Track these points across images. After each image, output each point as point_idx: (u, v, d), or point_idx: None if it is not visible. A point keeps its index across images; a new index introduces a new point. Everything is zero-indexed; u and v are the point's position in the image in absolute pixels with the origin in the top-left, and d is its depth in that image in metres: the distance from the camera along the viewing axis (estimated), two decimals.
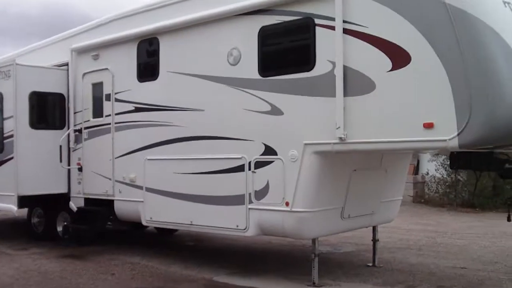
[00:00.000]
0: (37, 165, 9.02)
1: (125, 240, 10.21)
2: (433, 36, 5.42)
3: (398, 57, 5.64)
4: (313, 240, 6.78)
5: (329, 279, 7.08)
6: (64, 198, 9.49)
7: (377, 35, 5.80)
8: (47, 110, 9.45)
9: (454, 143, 5.29)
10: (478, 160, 6.13)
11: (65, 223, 9.52)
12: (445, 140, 5.33)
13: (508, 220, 6.57)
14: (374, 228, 8.08)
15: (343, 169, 6.68)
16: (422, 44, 5.46)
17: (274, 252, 9.28)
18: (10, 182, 8.98)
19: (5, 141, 9.15)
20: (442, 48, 5.37)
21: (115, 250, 9.12)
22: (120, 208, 8.61)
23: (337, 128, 6.02)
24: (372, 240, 8.11)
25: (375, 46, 5.81)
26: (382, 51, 5.76)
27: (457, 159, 6.33)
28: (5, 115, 9.16)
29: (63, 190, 9.40)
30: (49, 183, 9.19)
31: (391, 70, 5.70)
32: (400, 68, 5.64)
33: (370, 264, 8.02)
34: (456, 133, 5.26)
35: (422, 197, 18.70)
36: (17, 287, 6.82)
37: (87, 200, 9.21)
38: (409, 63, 5.58)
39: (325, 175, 6.42)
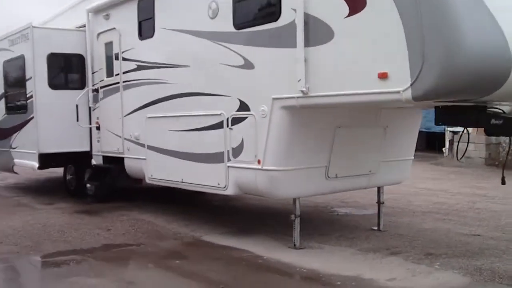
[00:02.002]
0: (57, 124, 9.36)
1: (151, 198, 10.41)
2: None
3: (354, 1, 5.07)
4: (294, 200, 6.46)
5: (315, 242, 6.77)
6: (88, 156, 9.83)
7: None
8: (67, 70, 9.73)
9: (407, 95, 4.71)
10: (464, 114, 5.42)
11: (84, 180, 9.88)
12: (398, 92, 4.76)
13: (503, 183, 5.81)
14: (378, 190, 7.56)
15: (322, 126, 6.24)
16: None
17: (285, 212, 9.02)
18: (32, 140, 9.44)
19: (28, 101, 9.58)
20: None
21: (133, 207, 9.32)
22: (129, 165, 8.77)
23: (298, 81, 5.60)
24: (376, 203, 7.59)
25: None
26: None
27: (442, 114, 5.65)
28: (27, 76, 9.56)
29: (85, 148, 9.71)
30: (71, 142, 9.52)
31: (348, 16, 5.15)
32: (356, 13, 5.08)
33: (375, 228, 7.55)
34: (409, 84, 4.67)
35: (496, 159, 17.26)
36: (12, 238, 7.19)
37: (104, 158, 9.48)
38: (364, 7, 5.01)
39: (297, 131, 6.03)
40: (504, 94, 4.70)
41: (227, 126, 6.60)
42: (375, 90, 4.93)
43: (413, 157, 7.66)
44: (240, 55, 6.40)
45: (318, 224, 7.99)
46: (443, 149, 20.07)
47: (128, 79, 8.59)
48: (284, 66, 5.82)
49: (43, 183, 13.21)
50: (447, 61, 4.45)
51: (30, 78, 9.41)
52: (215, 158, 6.81)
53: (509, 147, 5.53)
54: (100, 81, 9.38)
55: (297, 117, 5.94)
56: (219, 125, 6.74)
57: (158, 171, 7.97)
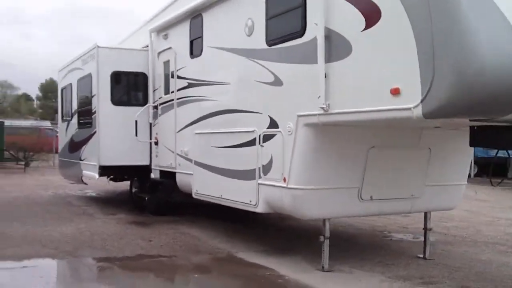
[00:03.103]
0: (118, 139, 9.80)
1: (205, 214, 10.51)
2: None
3: (371, 13, 4.88)
4: (324, 221, 6.23)
5: (348, 266, 6.47)
6: (148, 170, 10.18)
7: None
8: (129, 88, 10.17)
9: (418, 112, 4.40)
10: (499, 136, 4.97)
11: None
12: (409, 109, 4.46)
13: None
14: (425, 215, 7.10)
15: (352, 145, 5.99)
16: None
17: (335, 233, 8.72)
18: (95, 153, 9.94)
19: (93, 116, 10.13)
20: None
21: (185, 221, 9.49)
22: (180, 180, 8.94)
23: (318, 98, 5.43)
24: (423, 229, 7.12)
25: (349, 2, 5.09)
26: (357, 7, 5.02)
27: (477, 135, 5.22)
28: (93, 93, 10.12)
29: (145, 162, 10.06)
30: (131, 156, 9.91)
31: (364, 29, 4.94)
32: (372, 26, 4.86)
33: (421, 256, 7.07)
34: (419, 100, 4.37)
35: None
36: (57, 243, 7.57)
37: (161, 172, 9.75)
38: (379, 19, 4.77)
39: (323, 150, 5.84)
40: None
41: (259, 143, 6.55)
42: (389, 107, 4.67)
43: (465, 182, 7.12)
44: (271, 72, 6.35)
45: (364, 247, 7.68)
46: None
47: (181, 96, 8.82)
48: (308, 82, 5.68)
49: (117, 195, 13.84)
50: (458, 75, 4.11)
51: (95, 95, 9.96)
52: (248, 175, 6.77)
53: None
54: (159, 98, 9.71)
55: (322, 135, 5.76)
56: (252, 142, 6.70)
57: (202, 186, 8.05)
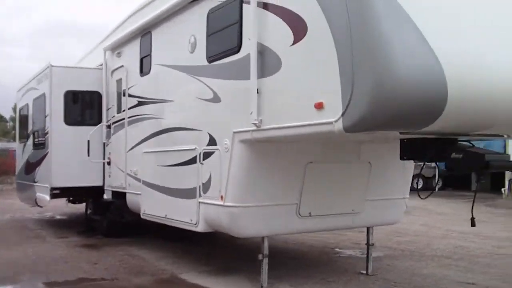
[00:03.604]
0: (71, 160, 9.63)
1: (161, 235, 10.36)
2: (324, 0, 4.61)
3: (298, 27, 4.89)
4: (262, 239, 6.17)
5: (288, 284, 6.40)
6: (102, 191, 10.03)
7: (281, 5, 5.12)
8: (84, 107, 10.07)
9: (339, 126, 4.40)
10: (425, 148, 5.02)
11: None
12: (331, 123, 4.47)
13: (472, 224, 5.26)
14: (367, 231, 7.10)
15: (289, 161, 5.96)
16: (316, 9, 4.66)
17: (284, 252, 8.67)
18: (47, 175, 9.78)
19: (46, 136, 9.99)
20: (331, 12, 4.52)
21: (136, 243, 9.28)
22: (130, 200, 8.82)
23: (250, 113, 5.43)
24: (366, 244, 7.11)
25: (280, 17, 5.13)
26: (286, 22, 5.05)
27: (405, 148, 5.27)
28: (46, 113, 10.00)
29: (98, 183, 9.91)
30: (84, 177, 9.75)
31: (293, 44, 4.96)
32: (299, 41, 4.88)
33: (364, 272, 7.05)
34: (340, 114, 4.39)
35: None
36: None
37: (114, 193, 9.62)
38: (305, 34, 4.81)
39: (259, 167, 5.80)
40: (446, 124, 4.28)
41: (200, 161, 6.50)
42: (313, 121, 4.67)
43: (407, 196, 7.16)
44: (211, 88, 6.34)
45: (310, 265, 7.63)
46: (502, 189, 18.78)
47: (131, 115, 8.76)
48: (242, 98, 5.66)
49: (76, 217, 13.60)
50: (375, 89, 4.11)
51: (48, 114, 9.84)
52: (189, 193, 6.69)
53: (477, 185, 5.00)
54: (112, 117, 9.63)
55: (258, 151, 5.73)
56: (193, 160, 6.64)
57: (149, 206, 7.94)
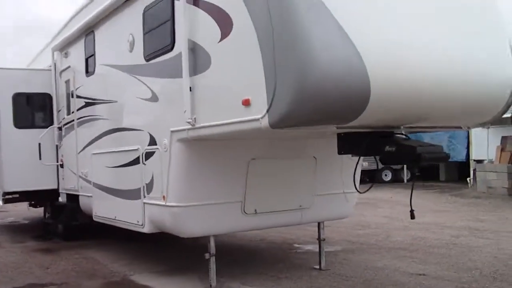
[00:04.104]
0: (23, 163, 9.43)
1: (121, 236, 10.23)
2: None
3: (225, 23, 4.81)
4: (209, 238, 6.08)
5: (240, 282, 6.35)
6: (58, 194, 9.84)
7: (208, 0, 5.01)
8: (34, 109, 9.85)
9: (265, 122, 4.32)
10: (359, 142, 4.96)
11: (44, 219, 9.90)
12: (258, 120, 4.39)
13: (412, 217, 5.24)
14: (318, 226, 7.06)
15: (230, 159, 5.87)
16: (240, 4, 4.57)
17: (237, 250, 8.60)
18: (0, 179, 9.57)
19: None
20: (254, 7, 4.44)
21: (93, 245, 9.14)
22: (83, 202, 8.66)
23: (184, 112, 5.32)
24: (317, 239, 7.07)
25: (208, 13, 5.03)
26: (213, 18, 4.95)
27: (340, 142, 5.22)
28: None
29: (53, 186, 9.72)
30: (37, 180, 9.56)
31: (220, 40, 4.87)
32: (226, 37, 4.79)
33: (317, 267, 7.01)
34: (265, 110, 4.30)
35: None
36: None
37: (68, 196, 9.44)
38: (231, 29, 4.72)
39: (198, 165, 5.71)
40: (372, 118, 4.23)
41: (142, 161, 6.38)
42: (241, 118, 4.59)
43: (356, 190, 7.11)
44: (149, 88, 6.22)
45: (266, 261, 7.56)
46: (468, 179, 18.99)
47: (80, 116, 8.59)
48: (177, 97, 5.55)
49: (38, 221, 13.36)
50: (296, 85, 4.05)
51: None
52: (134, 194, 6.58)
53: (412, 178, 4.97)
54: (63, 119, 9.44)
55: (197, 150, 5.63)
56: (137, 161, 6.53)
57: (99, 208, 7.81)
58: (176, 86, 5.58)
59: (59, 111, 9.62)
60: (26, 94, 9.66)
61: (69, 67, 8.95)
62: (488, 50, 4.78)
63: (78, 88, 8.62)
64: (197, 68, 5.22)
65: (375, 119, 4.33)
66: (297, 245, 8.89)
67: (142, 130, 6.40)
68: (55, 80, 9.64)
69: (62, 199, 9.67)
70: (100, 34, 7.70)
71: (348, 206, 7.06)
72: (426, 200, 15.73)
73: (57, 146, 9.70)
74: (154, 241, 9.19)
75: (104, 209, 7.63)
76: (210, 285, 6.09)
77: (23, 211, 13.78)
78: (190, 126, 5.31)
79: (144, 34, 6.26)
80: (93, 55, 7.96)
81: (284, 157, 6.25)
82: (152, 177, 6.17)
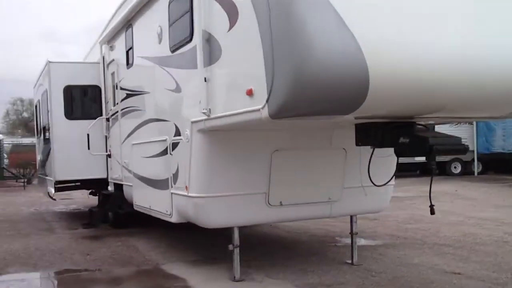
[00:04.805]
0: (74, 153, 9.80)
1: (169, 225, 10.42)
2: None
3: (232, 13, 4.74)
4: (232, 229, 6.05)
5: (264, 275, 6.29)
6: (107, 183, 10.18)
7: None
8: (84, 101, 10.20)
9: (265, 113, 4.22)
10: (375, 133, 4.75)
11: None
12: (258, 110, 4.29)
13: (432, 212, 4.94)
14: (351, 219, 6.84)
15: (253, 150, 5.80)
16: None
17: (275, 242, 8.51)
18: (52, 168, 10.00)
19: (50, 131, 10.20)
20: None
21: (138, 233, 9.40)
22: (126, 192, 8.90)
23: (199, 103, 5.30)
24: (350, 233, 6.87)
25: (220, 4, 4.97)
26: (223, 8, 4.89)
27: (357, 133, 5.03)
28: (48, 108, 10.20)
29: (102, 175, 10.05)
30: (87, 169, 9.92)
31: (229, 30, 4.80)
32: (234, 26, 4.71)
33: (349, 261, 6.82)
34: (265, 101, 4.19)
35: None
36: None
37: (115, 185, 9.73)
38: (237, 18, 4.63)
39: (219, 156, 5.67)
40: (375, 108, 4.02)
41: (169, 152, 6.44)
42: (246, 109, 4.50)
43: (392, 183, 6.81)
44: (174, 78, 6.26)
45: (299, 254, 7.45)
46: None
47: (123, 107, 8.80)
48: (196, 87, 5.55)
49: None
50: (293, 74, 3.92)
51: (49, 110, 10.04)
52: (164, 184, 6.67)
53: (431, 175, 4.68)
54: (110, 110, 9.71)
55: (217, 140, 5.60)
56: (166, 151, 6.60)
57: (138, 197, 7.99)
58: (194, 76, 5.57)
59: (107, 102, 9.91)
60: (77, 86, 10.02)
61: (113, 60, 9.18)
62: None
63: (121, 80, 8.83)
64: (212, 59, 5.18)
65: (381, 110, 4.11)
66: (338, 238, 8.69)
67: (169, 121, 6.46)
68: (104, 73, 9.92)
69: (110, 188, 9.98)
70: (137, 27, 7.84)
71: (381, 199, 6.80)
72: (492, 194, 14.91)
73: (106, 136, 10.00)
74: (193, 229, 9.31)
75: (142, 199, 7.79)
76: (234, 277, 6.07)
77: (87, 199, 14.37)
78: (206, 117, 5.29)
79: (170, 25, 6.30)
80: (131, 47, 8.11)
81: (310, 148, 6.11)
82: (178, 168, 6.22)
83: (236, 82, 4.72)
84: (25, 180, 21.19)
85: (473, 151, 21.20)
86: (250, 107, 4.42)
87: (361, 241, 8.06)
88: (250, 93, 4.41)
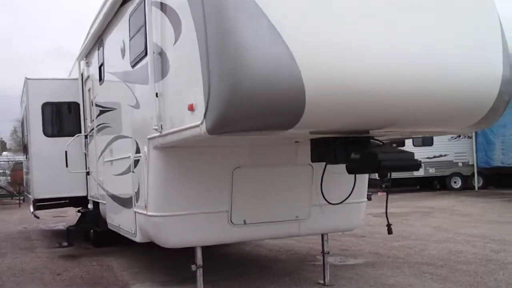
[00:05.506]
0: (53, 171, 9.65)
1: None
2: None
3: (177, 26, 4.57)
4: (195, 249, 5.82)
5: None
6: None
7: (166, 2, 4.80)
8: (63, 118, 10.06)
9: (203, 128, 4.02)
10: (327, 148, 4.54)
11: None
12: (198, 126, 4.09)
13: (389, 232, 4.69)
14: (322, 238, 6.59)
15: (214, 166, 5.59)
16: (185, 4, 4.32)
17: (253, 260, 8.26)
18: (31, 186, 9.86)
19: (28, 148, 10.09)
20: (193, 6, 4.17)
21: (116, 252, 9.18)
22: (102, 210, 8.71)
23: (151, 119, 5.12)
24: (321, 253, 6.61)
25: (167, 16, 4.81)
26: (170, 21, 4.73)
27: (312, 149, 4.81)
28: (27, 125, 10.09)
29: (82, 193, 9.88)
30: (67, 187, 9.76)
31: (175, 43, 4.63)
32: (178, 39, 4.54)
33: (321, 282, 6.55)
34: (203, 116, 4.00)
35: None
36: None
37: (94, 203, 9.55)
38: (181, 31, 4.46)
39: (176, 174, 5.48)
40: (316, 122, 3.80)
41: (132, 169, 6.26)
42: (188, 125, 4.31)
43: (364, 200, 6.58)
44: (134, 94, 6.10)
45: (271, 274, 7.19)
46: None
47: (97, 124, 8.65)
48: (150, 103, 5.37)
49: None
50: (226, 89, 3.74)
51: (27, 127, 9.93)
52: (128, 203, 6.49)
53: (387, 195, 4.44)
54: (88, 127, 9.58)
55: (174, 157, 5.40)
56: (129, 169, 6.43)
57: (110, 216, 7.80)
58: (148, 92, 5.39)
59: (86, 119, 9.78)
60: (55, 103, 9.90)
61: (89, 76, 9.06)
62: (469, 45, 4.18)
63: (95, 96, 8.69)
64: (163, 73, 5.01)
65: (326, 125, 3.90)
66: (319, 257, 8.39)
67: (132, 138, 6.29)
68: (82, 89, 9.80)
69: (90, 206, 9.81)
70: (107, 42, 7.71)
71: (354, 217, 6.55)
72: (488, 210, 14.50)
73: (85, 154, 9.85)
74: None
75: (113, 217, 7.61)
76: None
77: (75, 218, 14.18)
78: (158, 134, 5.11)
79: (130, 40, 6.15)
80: (103, 63, 7.98)
81: (275, 165, 5.88)
82: (139, 186, 6.03)
83: (181, 97, 4.53)
84: (20, 198, 21.10)
85: (472, 165, 20.80)
86: (192, 123, 4.23)
87: (340, 260, 7.83)
88: (191, 108, 4.22)
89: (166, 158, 5.40)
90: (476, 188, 20.85)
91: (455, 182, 21.30)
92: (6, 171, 24.45)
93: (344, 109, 3.77)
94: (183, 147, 5.26)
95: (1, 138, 57.05)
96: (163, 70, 4.99)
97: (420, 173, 19.79)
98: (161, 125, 5.03)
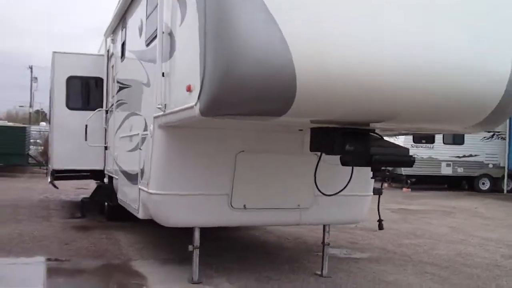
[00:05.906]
0: (72, 143, 9.87)
1: None
2: None
3: (183, 6, 4.60)
4: (193, 229, 5.90)
5: (225, 279, 6.11)
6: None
7: None
8: (87, 92, 10.25)
9: (197, 110, 4.06)
10: (325, 139, 4.52)
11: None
12: (192, 107, 4.13)
13: (380, 227, 4.65)
14: (324, 229, 6.58)
15: (218, 149, 5.64)
16: None
17: (259, 247, 8.30)
18: (51, 158, 10.11)
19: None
20: None
21: (130, 227, 9.31)
22: (115, 185, 8.87)
23: (155, 98, 5.19)
24: (321, 243, 6.60)
25: None
26: (178, 1, 4.75)
27: (311, 139, 4.79)
28: (51, 98, 10.32)
29: (99, 167, 10.08)
30: (85, 160, 9.97)
31: (180, 24, 4.67)
32: (184, 20, 4.58)
33: (319, 273, 6.55)
34: (197, 97, 4.03)
35: None
36: None
37: (109, 177, 9.73)
38: (186, 12, 4.49)
39: (181, 154, 5.55)
40: (308, 110, 3.79)
41: (139, 146, 6.36)
42: (185, 105, 4.35)
43: (370, 194, 6.52)
44: (146, 72, 6.18)
45: (271, 261, 7.21)
46: None
47: (117, 100, 8.80)
48: (159, 81, 5.43)
49: None
50: (220, 70, 3.75)
51: (52, 100, 10.15)
52: (134, 179, 6.60)
53: (379, 191, 4.38)
54: (109, 102, 9.74)
55: (178, 137, 5.47)
56: (138, 146, 6.53)
57: (120, 191, 7.95)
58: (157, 71, 5.45)
59: (108, 95, 9.94)
60: (80, 77, 10.08)
61: (113, 53, 9.20)
62: (476, 39, 4.07)
63: (117, 73, 8.83)
64: (170, 53, 5.06)
65: (320, 113, 3.87)
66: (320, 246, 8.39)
67: (142, 115, 6.38)
68: (107, 65, 9.96)
69: (106, 180, 10.01)
70: (129, 21, 7.80)
71: (358, 210, 6.51)
72: (511, 214, 14.20)
73: (105, 128, 10.03)
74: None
75: (122, 193, 7.75)
76: (192, 278, 5.91)
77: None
78: (162, 112, 5.17)
79: (146, 19, 6.22)
80: (125, 41, 8.09)
81: (280, 152, 5.89)
82: (144, 163, 6.13)
83: (182, 77, 4.58)
84: (47, 168, 21.52)
85: (503, 167, 20.28)
86: (188, 104, 4.27)
87: (345, 253, 7.81)
88: (189, 89, 4.26)
89: (169, 137, 5.47)
90: (505, 191, 20.34)
91: (483, 183, 20.82)
92: (38, 140, 25.02)
93: (337, 98, 3.74)
94: (186, 128, 5.31)
95: (42, 109, 58.37)
96: (171, 50, 5.04)
97: (448, 171, 19.49)
98: (165, 104, 5.09)
